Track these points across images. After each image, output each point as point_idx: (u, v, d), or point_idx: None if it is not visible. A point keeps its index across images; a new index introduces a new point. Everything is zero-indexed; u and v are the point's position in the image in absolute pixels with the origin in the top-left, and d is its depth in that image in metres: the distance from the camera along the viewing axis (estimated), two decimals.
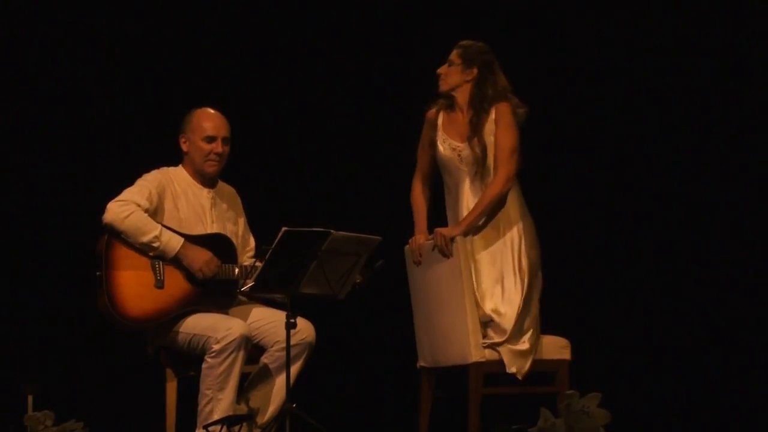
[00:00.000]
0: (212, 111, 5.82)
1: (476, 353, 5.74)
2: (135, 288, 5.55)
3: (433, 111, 6.00)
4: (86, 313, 5.91)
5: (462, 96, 5.92)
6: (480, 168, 5.84)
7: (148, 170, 5.77)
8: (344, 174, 7.44)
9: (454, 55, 5.94)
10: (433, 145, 5.96)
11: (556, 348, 5.90)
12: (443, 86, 5.94)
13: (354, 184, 7.43)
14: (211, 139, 5.75)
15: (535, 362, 5.79)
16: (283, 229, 5.27)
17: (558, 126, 7.36)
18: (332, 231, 5.32)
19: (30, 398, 5.75)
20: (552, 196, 7.13)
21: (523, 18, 7.37)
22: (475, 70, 5.90)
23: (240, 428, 5.46)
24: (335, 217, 6.12)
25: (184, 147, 5.79)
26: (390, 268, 5.72)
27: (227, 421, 5.43)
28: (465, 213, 5.82)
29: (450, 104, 5.96)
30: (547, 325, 5.92)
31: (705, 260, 7.13)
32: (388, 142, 7.34)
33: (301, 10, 7.41)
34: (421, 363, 6.03)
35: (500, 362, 5.75)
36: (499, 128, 5.84)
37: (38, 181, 7.04)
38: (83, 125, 7.10)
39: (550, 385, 5.86)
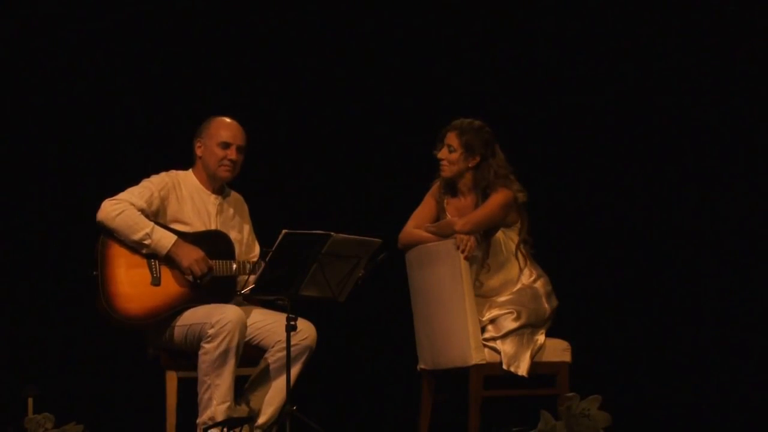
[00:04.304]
0: (230, 120, 5.83)
1: (476, 355, 5.74)
2: (132, 286, 5.55)
3: (437, 189, 6.03)
4: (86, 315, 5.90)
5: (464, 182, 5.97)
6: (483, 244, 5.89)
7: (156, 172, 5.78)
8: (345, 176, 7.43)
9: (453, 139, 5.93)
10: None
11: (557, 350, 5.90)
12: (447, 173, 5.96)
13: (355, 186, 7.42)
14: (226, 146, 5.76)
15: (535, 364, 5.79)
16: (284, 231, 5.27)
17: (557, 127, 7.37)
18: (332, 233, 5.32)
19: (30, 401, 5.74)
20: (552, 199, 7.13)
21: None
22: (478, 158, 5.92)
23: (240, 430, 5.45)
24: (336, 219, 6.12)
25: (199, 151, 5.80)
26: (390, 270, 5.71)
27: (228, 423, 5.42)
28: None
29: (452, 188, 6.00)
30: (548, 328, 5.92)
31: (705, 262, 7.13)
32: (389, 145, 7.35)
33: (303, 14, 7.41)
34: (421, 365, 6.03)
35: (501, 364, 5.75)
36: (491, 198, 5.87)
37: (40, 183, 7.03)
38: (86, 127, 7.10)
39: (551, 387, 5.85)
